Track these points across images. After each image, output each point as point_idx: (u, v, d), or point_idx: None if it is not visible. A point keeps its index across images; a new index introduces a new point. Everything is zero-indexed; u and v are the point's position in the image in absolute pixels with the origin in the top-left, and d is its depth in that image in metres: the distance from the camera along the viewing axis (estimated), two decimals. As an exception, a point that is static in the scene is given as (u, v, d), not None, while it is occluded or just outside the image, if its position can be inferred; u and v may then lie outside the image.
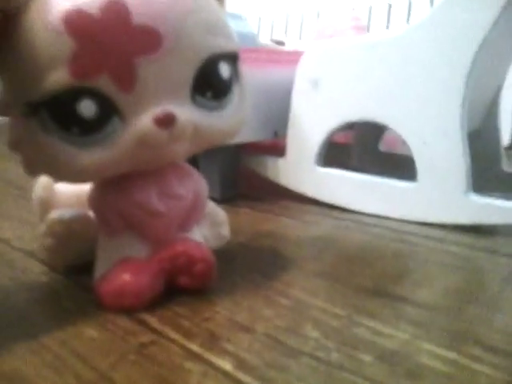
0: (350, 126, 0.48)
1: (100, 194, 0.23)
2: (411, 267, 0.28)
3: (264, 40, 0.60)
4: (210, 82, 0.21)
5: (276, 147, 0.46)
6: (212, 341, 0.20)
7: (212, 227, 0.27)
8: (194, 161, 0.44)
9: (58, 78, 0.18)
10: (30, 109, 0.19)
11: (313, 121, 0.40)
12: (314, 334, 0.20)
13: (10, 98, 0.20)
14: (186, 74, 0.20)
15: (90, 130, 0.19)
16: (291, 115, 0.42)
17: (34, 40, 0.18)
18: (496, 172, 0.44)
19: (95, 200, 0.23)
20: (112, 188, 0.23)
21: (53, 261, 0.27)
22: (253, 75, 0.42)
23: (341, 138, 0.56)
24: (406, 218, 0.36)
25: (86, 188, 0.26)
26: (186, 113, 0.20)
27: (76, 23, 0.18)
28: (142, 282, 0.22)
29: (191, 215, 0.24)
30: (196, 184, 0.24)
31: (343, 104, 0.39)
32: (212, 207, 0.28)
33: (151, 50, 0.19)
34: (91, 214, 0.25)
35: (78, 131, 0.19)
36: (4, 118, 0.21)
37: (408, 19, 0.84)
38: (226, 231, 0.29)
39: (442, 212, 0.35)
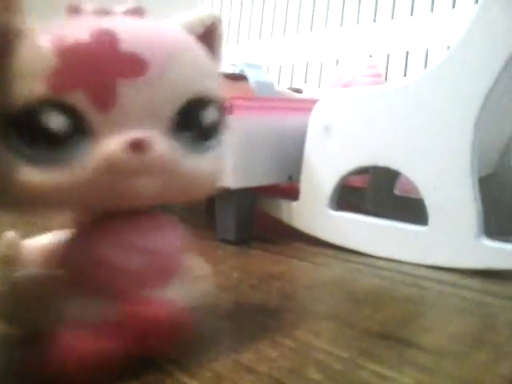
0: (365, 170, 0.48)
1: (63, 250, 0.21)
2: (421, 311, 0.28)
3: (281, 88, 0.62)
4: (194, 122, 0.21)
5: (292, 191, 0.47)
6: (216, 381, 0.20)
7: (190, 284, 0.24)
8: (210, 203, 0.45)
9: (34, 89, 0.18)
10: None
11: (325, 166, 0.41)
12: (318, 376, 0.21)
13: None
14: (169, 107, 0.20)
15: (56, 145, 0.18)
16: (305, 160, 0.43)
17: (20, 58, 0.18)
18: (511, 216, 0.43)
19: (57, 257, 0.21)
20: (75, 243, 0.21)
21: (10, 325, 0.23)
22: (269, 122, 0.44)
23: (357, 182, 0.57)
24: (417, 261, 0.36)
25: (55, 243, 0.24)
26: (163, 144, 0.19)
27: (62, 44, 0.18)
28: (92, 348, 0.19)
29: (162, 272, 0.22)
30: (170, 238, 0.22)
31: (355, 149, 0.40)
32: (193, 261, 0.25)
33: (135, 74, 0.18)
34: (55, 272, 0.22)
35: (43, 146, 0.18)
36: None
37: (425, 66, 0.86)
38: (208, 286, 0.26)
39: (454, 256, 0.34)
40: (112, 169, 0.18)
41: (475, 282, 0.32)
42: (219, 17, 0.24)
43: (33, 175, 0.18)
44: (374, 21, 0.93)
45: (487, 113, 0.34)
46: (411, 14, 0.88)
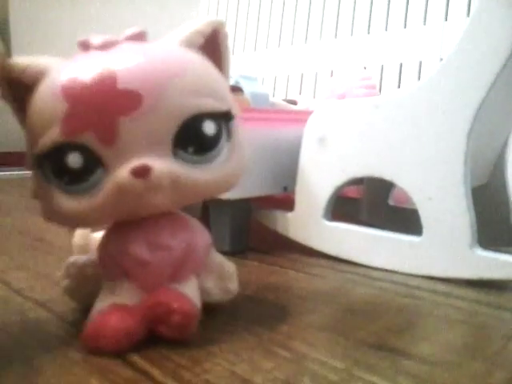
0: (359, 181, 0.49)
1: (103, 241, 0.25)
2: (415, 321, 0.28)
3: (276, 99, 0.62)
4: (193, 138, 0.23)
5: (287, 202, 0.47)
6: (211, 392, 0.20)
7: (218, 280, 0.27)
8: (205, 214, 0.45)
9: (52, 135, 0.21)
10: (36, 161, 0.22)
11: (320, 176, 0.42)
12: (312, 387, 0.21)
13: (26, 149, 0.24)
14: (166, 130, 0.22)
15: (77, 179, 0.22)
16: (299, 171, 0.43)
17: (40, 103, 0.22)
18: (505, 226, 0.44)
19: (99, 246, 0.26)
20: (111, 237, 0.25)
21: (71, 300, 0.29)
22: (264, 133, 0.44)
23: (352, 193, 0.57)
24: (412, 272, 0.36)
25: None
26: (164, 165, 0.22)
27: (70, 89, 0.21)
28: (119, 328, 0.23)
29: (183, 266, 0.25)
30: (191, 235, 0.25)
31: (349, 160, 0.40)
32: (220, 260, 0.28)
33: (131, 109, 0.21)
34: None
35: (67, 180, 0.22)
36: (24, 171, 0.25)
37: (419, 78, 0.87)
38: (233, 285, 0.28)
39: (448, 266, 0.35)
40: (122, 193, 0.22)
41: (469, 292, 0.33)
42: (220, 21, 0.26)
43: (62, 201, 0.22)
44: (368, 33, 0.94)
45: (480, 124, 0.34)
46: (405, 26, 0.89)
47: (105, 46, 0.23)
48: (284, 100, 0.66)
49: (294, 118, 0.47)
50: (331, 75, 0.99)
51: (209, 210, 0.44)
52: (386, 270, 0.37)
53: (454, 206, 0.34)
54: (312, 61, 1.04)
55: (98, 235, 0.31)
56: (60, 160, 0.22)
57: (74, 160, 0.21)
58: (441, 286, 0.34)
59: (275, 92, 1.09)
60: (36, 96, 0.22)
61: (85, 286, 0.27)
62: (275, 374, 0.22)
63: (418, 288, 0.34)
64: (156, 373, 0.22)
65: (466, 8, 0.80)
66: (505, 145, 0.45)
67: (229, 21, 1.19)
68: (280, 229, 0.45)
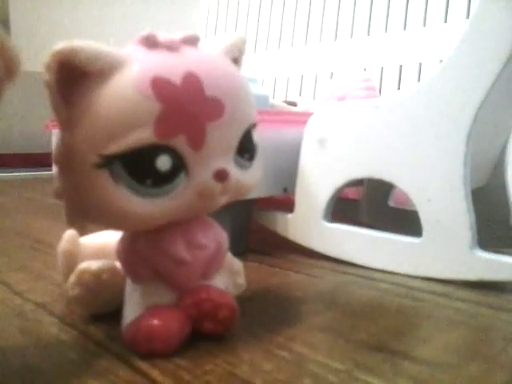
0: (359, 182, 0.49)
1: (129, 244, 0.25)
2: (415, 323, 0.28)
3: (276, 101, 0.63)
4: (248, 146, 0.25)
5: (287, 203, 0.47)
6: (211, 393, 0.20)
7: (229, 276, 0.29)
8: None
9: (143, 135, 0.21)
10: (103, 160, 0.21)
11: (320, 178, 0.42)
12: (312, 388, 0.21)
13: (73, 149, 0.21)
14: (236, 138, 0.24)
15: (162, 182, 0.22)
16: (300, 173, 0.43)
17: (121, 100, 0.21)
18: (505, 228, 0.44)
19: (124, 250, 0.25)
20: (141, 238, 0.24)
21: (82, 310, 0.28)
22: (263, 135, 0.44)
23: (352, 194, 0.57)
24: (412, 273, 0.36)
25: (109, 240, 0.29)
26: (234, 170, 0.24)
27: (162, 89, 0.21)
28: (171, 327, 0.23)
29: (213, 264, 0.26)
30: (218, 235, 0.26)
31: (349, 162, 0.40)
32: (229, 257, 0.29)
33: (217, 116, 0.22)
34: (117, 264, 0.26)
35: (151, 183, 0.22)
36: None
37: (418, 79, 0.87)
38: (242, 280, 0.30)
39: (448, 268, 0.35)
40: (203, 195, 0.23)
41: (469, 294, 0.33)
42: (245, 38, 0.27)
43: (135, 204, 0.22)
44: (368, 35, 0.95)
45: (479, 125, 0.34)
46: (404, 28, 0.89)
47: (172, 47, 0.22)
48: (284, 101, 0.66)
49: (293, 119, 0.47)
50: (331, 77, 1.00)
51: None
52: (386, 272, 0.37)
53: (454, 208, 0.34)
54: (312, 62, 1.04)
55: (89, 240, 0.30)
56: (146, 162, 0.21)
57: (163, 162, 0.21)
58: (441, 288, 0.34)
59: (275, 93, 1.09)
60: (110, 90, 0.21)
61: (100, 293, 0.27)
62: (275, 375, 0.22)
63: (418, 289, 0.34)
64: (156, 374, 0.22)
65: (466, 10, 0.80)
66: (505, 146, 0.45)
67: (229, 22, 1.19)
68: (280, 230, 0.45)
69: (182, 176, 0.22)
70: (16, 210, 0.75)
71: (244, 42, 0.27)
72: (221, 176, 0.23)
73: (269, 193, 0.44)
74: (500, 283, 0.34)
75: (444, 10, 0.83)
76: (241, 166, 0.25)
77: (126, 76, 0.21)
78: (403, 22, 0.89)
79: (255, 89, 0.55)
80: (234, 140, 0.24)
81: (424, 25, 0.86)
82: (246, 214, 0.46)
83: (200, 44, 0.24)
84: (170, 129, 0.21)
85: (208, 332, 0.24)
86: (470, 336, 0.26)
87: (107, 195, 0.21)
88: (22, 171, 1.35)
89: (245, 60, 0.27)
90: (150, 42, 0.22)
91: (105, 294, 0.27)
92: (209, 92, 0.22)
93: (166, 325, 0.23)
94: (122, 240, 0.25)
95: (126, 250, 0.25)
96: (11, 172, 1.34)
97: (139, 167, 0.21)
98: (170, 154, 0.21)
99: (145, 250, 0.24)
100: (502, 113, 0.41)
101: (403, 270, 0.37)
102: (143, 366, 0.22)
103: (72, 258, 0.30)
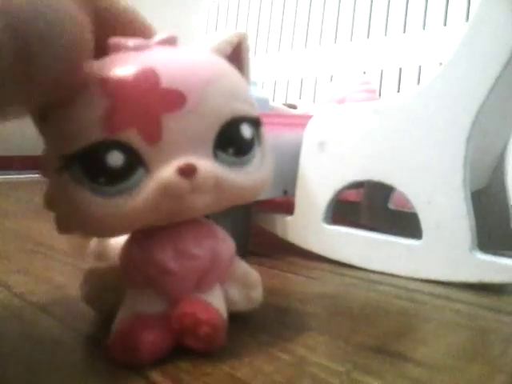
0: (359, 185, 0.49)
1: (126, 249, 0.24)
2: (415, 325, 0.28)
3: (276, 103, 0.63)
4: (232, 140, 0.23)
5: (287, 205, 0.47)
6: (211, 395, 0.20)
7: (242, 289, 0.27)
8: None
9: (92, 132, 0.20)
10: (64, 162, 0.21)
11: (320, 180, 0.42)
12: (312, 390, 0.21)
13: (48, 153, 0.22)
14: (208, 131, 0.22)
15: (117, 179, 0.21)
16: (299, 175, 0.43)
17: (77, 101, 0.21)
18: (505, 230, 0.44)
19: (122, 255, 0.24)
20: (135, 244, 0.24)
21: (91, 309, 0.28)
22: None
23: (351, 197, 0.57)
24: (412, 275, 0.36)
25: None
26: (207, 165, 0.22)
27: (109, 85, 0.20)
28: (151, 339, 0.22)
29: (209, 275, 0.24)
30: (216, 243, 0.25)
31: (349, 164, 0.40)
32: (244, 268, 0.27)
33: (175, 108, 0.21)
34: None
35: (104, 181, 0.21)
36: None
37: (418, 82, 0.87)
38: (257, 294, 0.27)
39: (448, 270, 0.35)
40: (167, 193, 0.21)
41: (469, 296, 0.33)
42: (245, 34, 0.26)
43: (96, 205, 0.21)
44: (368, 38, 0.95)
45: (479, 128, 0.34)
46: (404, 31, 0.89)
47: (139, 48, 0.22)
48: (284, 104, 0.66)
49: (294, 122, 0.47)
50: (331, 80, 1.00)
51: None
52: (386, 274, 0.37)
53: (454, 210, 0.34)
54: (312, 65, 1.04)
55: (117, 241, 0.30)
56: (97, 159, 0.20)
57: (114, 158, 0.20)
58: (441, 290, 0.34)
59: (275, 96, 1.09)
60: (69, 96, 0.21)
61: (105, 294, 0.26)
62: (275, 377, 0.22)
63: (418, 291, 0.34)
64: (156, 376, 0.22)
65: (465, 13, 0.80)
66: (504, 149, 0.45)
67: (229, 25, 1.19)
68: (280, 232, 0.45)
69: (141, 172, 0.21)
70: (16, 212, 0.75)
71: (243, 39, 0.26)
72: (185, 171, 0.21)
73: (268, 195, 0.44)
74: (500, 285, 0.34)
75: (443, 13, 0.83)
76: (228, 163, 0.23)
77: (82, 80, 0.21)
78: (403, 24, 0.89)
79: (255, 91, 0.55)
80: (206, 133, 0.22)
81: (424, 28, 0.86)
82: (246, 217, 0.46)
83: (177, 43, 0.24)
84: (119, 123, 0.20)
85: (188, 347, 0.23)
86: (470, 338, 0.26)
87: (72, 199, 0.21)
88: (22, 173, 1.35)
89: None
90: (116, 47, 0.22)
91: (109, 295, 0.26)
92: (166, 84, 0.21)
93: (146, 336, 0.22)
94: (123, 244, 0.25)
95: (124, 255, 0.24)
96: (11, 174, 1.34)
97: (93, 166, 0.21)
98: (122, 149, 0.20)
99: (137, 257, 0.23)
100: (501, 115, 0.41)
101: (403, 272, 0.37)
102: (143, 368, 0.22)
103: (101, 259, 0.29)
